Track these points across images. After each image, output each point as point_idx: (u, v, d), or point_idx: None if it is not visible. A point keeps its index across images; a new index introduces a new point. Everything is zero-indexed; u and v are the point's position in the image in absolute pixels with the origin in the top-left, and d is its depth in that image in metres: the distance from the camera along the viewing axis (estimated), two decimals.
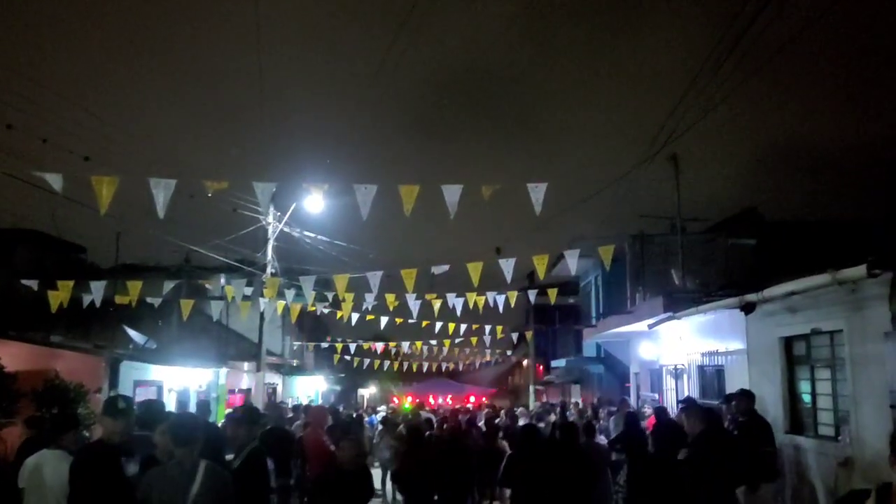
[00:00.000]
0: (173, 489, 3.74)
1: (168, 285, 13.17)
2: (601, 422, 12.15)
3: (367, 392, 41.60)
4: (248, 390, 18.12)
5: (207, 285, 17.55)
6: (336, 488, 5.38)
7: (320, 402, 25.54)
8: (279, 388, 23.31)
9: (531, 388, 27.58)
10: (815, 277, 6.51)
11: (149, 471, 3.94)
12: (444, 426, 10.37)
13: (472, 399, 31.34)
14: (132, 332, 16.75)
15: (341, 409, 18.47)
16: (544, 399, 27.09)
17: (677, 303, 10.51)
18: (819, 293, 6.80)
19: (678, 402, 10.09)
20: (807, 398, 7.84)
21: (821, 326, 7.25)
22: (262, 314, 15.71)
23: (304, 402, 20.11)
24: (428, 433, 10.04)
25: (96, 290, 12.05)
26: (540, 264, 10.68)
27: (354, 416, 15.94)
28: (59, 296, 11.64)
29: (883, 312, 5.98)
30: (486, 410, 18.57)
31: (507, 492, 8.14)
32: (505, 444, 9.67)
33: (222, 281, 17.25)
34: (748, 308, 8.05)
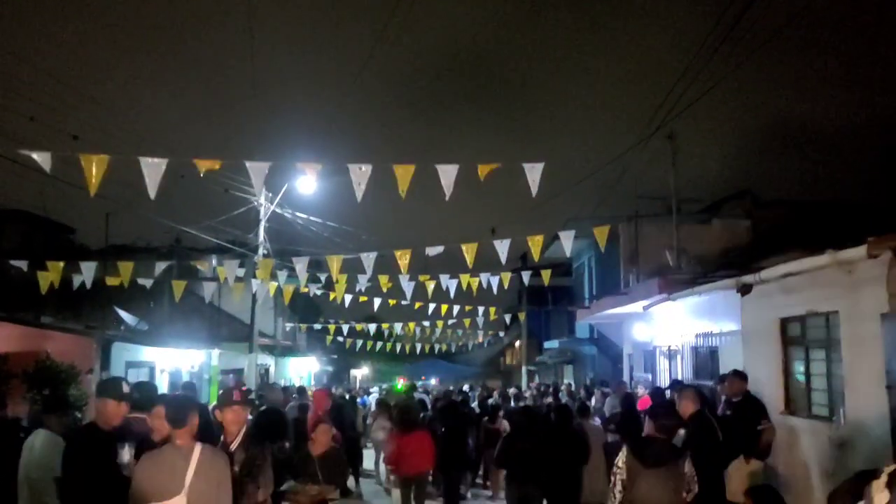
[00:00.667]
0: (170, 471, 3.67)
1: (159, 266, 13.06)
2: (594, 403, 12.20)
3: (360, 373, 41.78)
4: (241, 371, 18.07)
5: (199, 266, 17.40)
6: (311, 470, 5.53)
7: (312, 383, 25.57)
8: (272, 370, 23.28)
9: (524, 370, 27.71)
10: (814, 258, 6.49)
11: (145, 453, 3.87)
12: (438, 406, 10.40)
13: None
14: (123, 314, 16.64)
15: (333, 389, 18.50)
16: (536, 380, 27.21)
17: (672, 284, 10.50)
18: (815, 274, 6.79)
19: (668, 385, 10.10)
20: (801, 378, 7.88)
21: (817, 308, 7.26)
22: (254, 295, 15.63)
23: (297, 383, 20.12)
24: (422, 415, 10.06)
25: (87, 271, 11.91)
26: (534, 245, 10.61)
27: (347, 397, 15.95)
28: (49, 276, 11.50)
29: (879, 294, 5.98)
30: (480, 391, 18.61)
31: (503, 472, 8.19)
32: (505, 423, 9.70)
33: (214, 262, 17.10)
34: (745, 289, 8.04)
